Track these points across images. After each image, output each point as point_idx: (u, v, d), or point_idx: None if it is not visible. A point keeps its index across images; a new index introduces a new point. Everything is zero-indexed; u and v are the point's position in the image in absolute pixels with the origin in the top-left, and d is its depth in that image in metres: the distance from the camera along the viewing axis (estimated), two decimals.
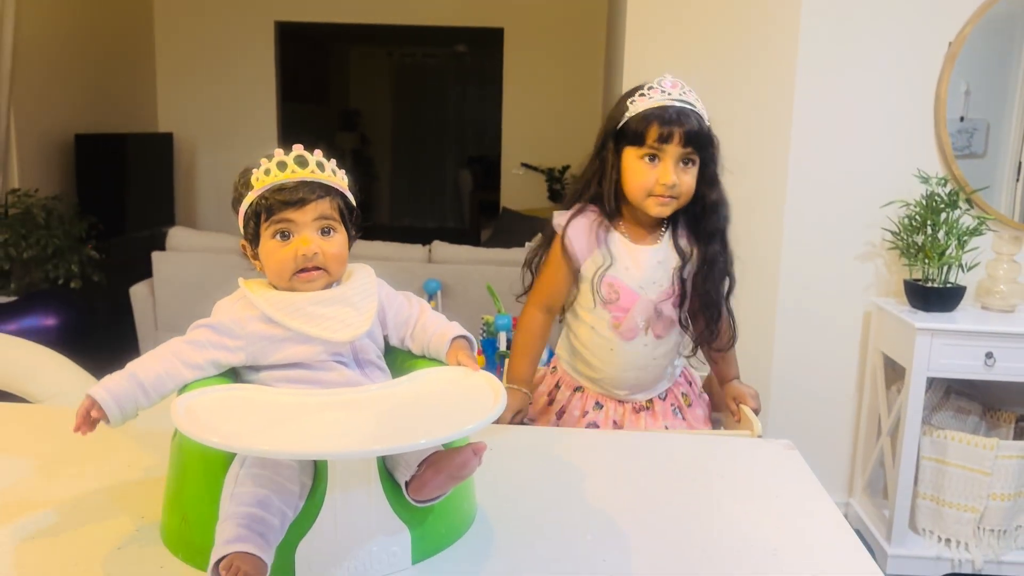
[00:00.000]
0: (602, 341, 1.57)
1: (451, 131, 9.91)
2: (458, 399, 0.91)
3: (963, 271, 2.50)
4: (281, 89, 6.43)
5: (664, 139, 1.44)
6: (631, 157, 1.49)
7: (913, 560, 2.50)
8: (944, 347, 2.38)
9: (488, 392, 0.90)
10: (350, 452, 0.78)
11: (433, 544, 0.93)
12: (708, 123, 1.48)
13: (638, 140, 1.46)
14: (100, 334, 4.01)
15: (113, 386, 0.93)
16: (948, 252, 2.46)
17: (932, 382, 2.54)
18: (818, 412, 2.80)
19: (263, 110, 6.34)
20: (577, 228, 1.53)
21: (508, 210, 5.90)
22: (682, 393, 1.65)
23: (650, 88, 1.48)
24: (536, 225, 1.63)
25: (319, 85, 9.00)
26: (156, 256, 3.67)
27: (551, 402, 1.67)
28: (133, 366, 0.95)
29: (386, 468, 0.89)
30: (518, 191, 6.40)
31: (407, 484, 0.88)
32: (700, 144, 1.46)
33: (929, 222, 2.49)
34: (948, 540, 2.50)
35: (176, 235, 3.72)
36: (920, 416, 2.45)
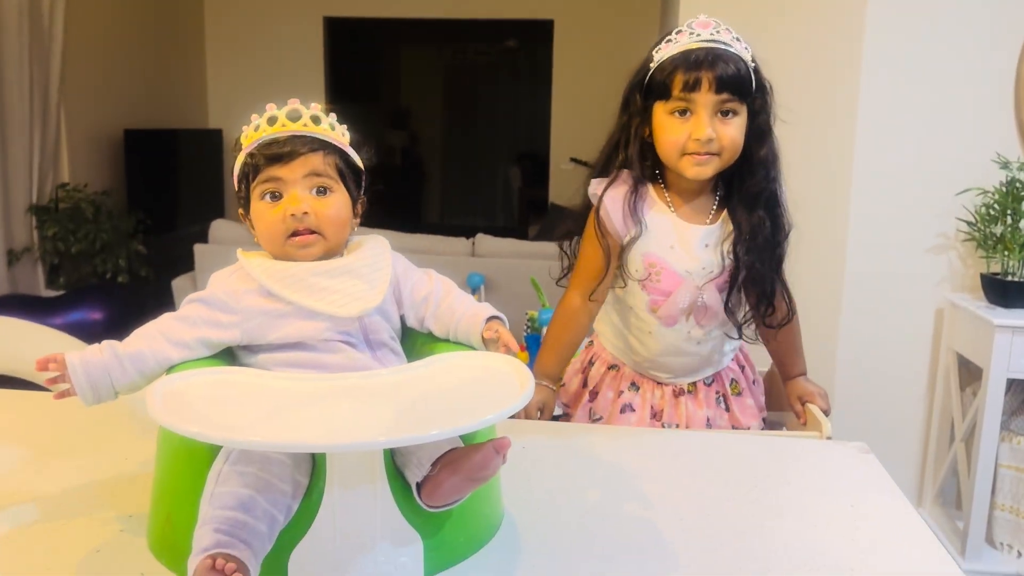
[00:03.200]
0: (640, 324, 1.42)
1: (501, 128, 9.81)
2: (478, 387, 0.79)
3: None
4: (330, 86, 6.40)
5: (691, 87, 1.25)
6: (661, 113, 1.31)
7: None
8: None
9: (513, 379, 0.77)
10: (348, 444, 0.66)
11: (450, 555, 0.80)
12: (752, 64, 1.30)
13: (665, 93, 1.28)
14: None
15: (87, 353, 0.83)
16: None
17: (1011, 384, 2.35)
18: (886, 415, 2.62)
19: None
20: (614, 199, 1.36)
21: (556, 206, 5.77)
22: (731, 380, 1.48)
23: (678, 32, 1.30)
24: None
25: (369, 83, 8.99)
26: (199, 249, 3.63)
27: (584, 382, 1.52)
28: (117, 342, 0.85)
29: (395, 466, 0.77)
30: (567, 187, 6.24)
31: (419, 486, 0.75)
32: (740, 90, 1.27)
33: (1009, 211, 2.31)
34: None
35: (219, 228, 3.67)
36: (998, 421, 2.28)
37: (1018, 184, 2.31)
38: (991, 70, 2.41)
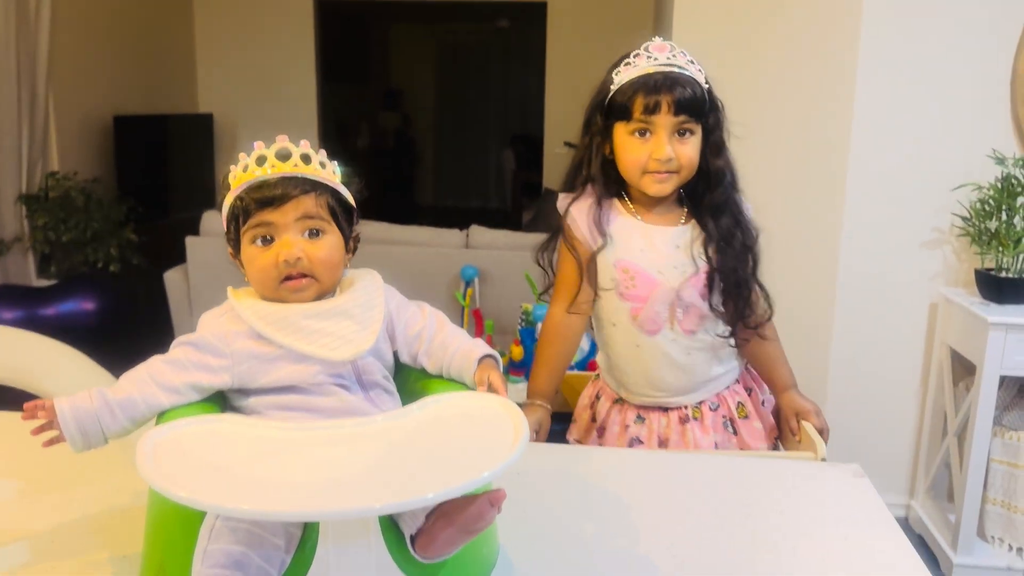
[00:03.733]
0: (626, 339, 1.43)
1: (494, 109, 9.74)
2: (473, 436, 0.78)
3: None
4: (321, 68, 6.33)
5: (651, 110, 1.31)
6: (622, 133, 1.36)
7: (981, 570, 2.34)
8: (1019, 343, 2.21)
9: (508, 427, 0.76)
10: (340, 511, 0.65)
11: None
12: (707, 85, 1.36)
13: (625, 114, 1.34)
14: (139, 318, 3.99)
15: (77, 399, 0.83)
16: None
17: (1004, 380, 2.36)
18: (879, 409, 2.63)
19: (303, 90, 6.24)
20: (580, 209, 1.41)
21: (550, 191, 5.74)
22: (738, 403, 1.48)
23: (636, 55, 1.35)
24: None
25: (360, 64, 8.89)
26: (190, 241, 3.60)
27: (593, 417, 1.54)
28: (106, 388, 0.84)
29: (389, 516, 0.77)
30: (561, 171, 6.20)
31: (413, 538, 0.75)
32: (696, 111, 1.33)
33: (1004, 207, 2.31)
34: (1020, 549, 2.33)
35: (210, 219, 3.64)
36: (991, 416, 2.29)
37: (1013, 180, 2.31)
38: (987, 67, 2.40)
